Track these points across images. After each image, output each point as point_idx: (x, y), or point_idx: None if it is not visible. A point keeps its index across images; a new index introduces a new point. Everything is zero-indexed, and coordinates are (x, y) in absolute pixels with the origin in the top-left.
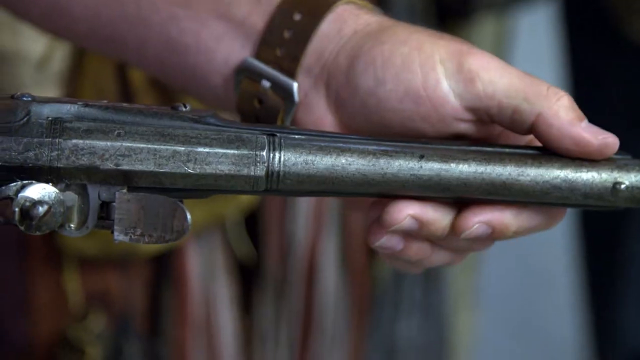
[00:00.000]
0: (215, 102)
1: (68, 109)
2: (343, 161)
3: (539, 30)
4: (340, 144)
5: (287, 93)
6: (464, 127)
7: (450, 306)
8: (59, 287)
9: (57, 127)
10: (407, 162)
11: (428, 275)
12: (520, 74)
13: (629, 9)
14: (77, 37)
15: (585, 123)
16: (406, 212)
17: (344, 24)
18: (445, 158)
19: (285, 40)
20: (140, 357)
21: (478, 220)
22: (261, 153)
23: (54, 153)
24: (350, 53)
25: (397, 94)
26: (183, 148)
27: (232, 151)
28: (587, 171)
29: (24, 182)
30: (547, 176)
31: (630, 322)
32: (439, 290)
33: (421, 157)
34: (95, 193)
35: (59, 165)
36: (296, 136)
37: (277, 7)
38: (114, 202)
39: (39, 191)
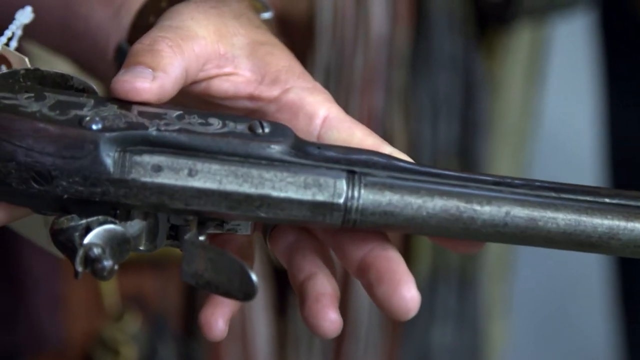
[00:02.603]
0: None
1: (139, 137)
2: (424, 214)
3: (575, 38)
4: (423, 187)
5: None
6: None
7: (483, 313)
8: (95, 288)
9: (126, 163)
10: (492, 219)
11: (462, 282)
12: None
13: None
14: None
15: None
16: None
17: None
18: (532, 218)
19: (150, 25)
20: (175, 358)
21: None
22: (338, 201)
23: (122, 191)
24: None
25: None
26: (257, 193)
27: (308, 198)
28: None
29: (89, 220)
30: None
31: None
32: (473, 297)
33: (507, 213)
34: (165, 217)
35: (126, 202)
36: (376, 174)
37: None
38: (183, 225)
39: (104, 235)
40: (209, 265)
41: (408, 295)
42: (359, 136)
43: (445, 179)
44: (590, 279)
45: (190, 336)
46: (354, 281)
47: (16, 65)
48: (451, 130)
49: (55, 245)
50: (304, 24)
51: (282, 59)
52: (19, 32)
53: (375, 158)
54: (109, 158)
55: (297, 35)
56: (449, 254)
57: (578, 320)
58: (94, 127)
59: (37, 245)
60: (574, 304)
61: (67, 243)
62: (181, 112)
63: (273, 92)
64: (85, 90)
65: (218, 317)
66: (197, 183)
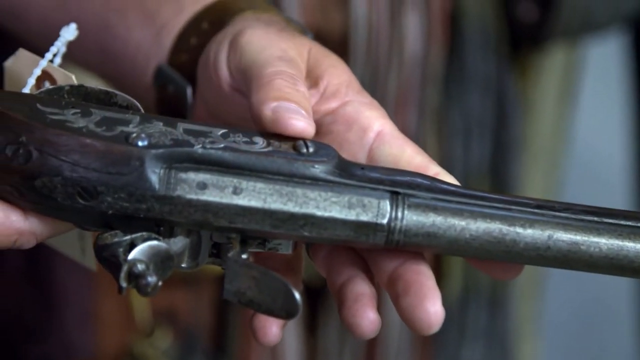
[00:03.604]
0: (146, 102)
1: (184, 155)
2: (467, 236)
3: (608, 60)
4: (466, 209)
5: (183, 97)
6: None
7: (513, 332)
8: (126, 302)
9: (171, 180)
10: (534, 242)
11: (493, 301)
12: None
13: None
14: (30, 38)
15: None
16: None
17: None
18: (575, 242)
19: (192, 47)
20: None
21: None
22: (382, 222)
23: (167, 208)
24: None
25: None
26: (301, 212)
27: (351, 218)
28: None
29: (133, 236)
30: None
31: None
32: (503, 316)
33: (550, 236)
34: (207, 235)
35: (170, 218)
36: (420, 195)
37: (191, 16)
38: (226, 243)
39: (148, 251)
40: (252, 284)
41: (432, 309)
42: (409, 153)
43: (488, 201)
44: (620, 298)
45: (221, 352)
46: (386, 299)
47: (61, 82)
48: (483, 150)
49: (99, 260)
50: (338, 42)
51: (344, 74)
52: (63, 49)
53: (419, 180)
54: (154, 175)
55: None
56: (480, 273)
57: (608, 340)
58: (140, 143)
59: (70, 258)
60: (603, 323)
61: (111, 258)
62: (226, 130)
63: (332, 104)
64: (129, 108)
65: (272, 323)
66: (241, 201)
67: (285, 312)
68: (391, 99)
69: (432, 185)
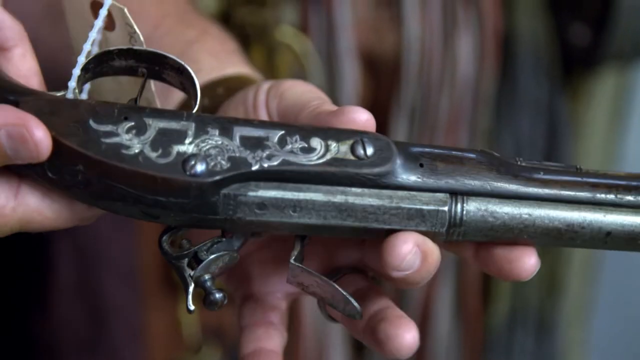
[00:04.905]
0: None
1: (243, 177)
2: (525, 237)
3: None
4: (524, 211)
5: None
6: None
7: (561, 356)
8: (174, 318)
9: (231, 203)
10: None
11: (540, 324)
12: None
13: None
14: None
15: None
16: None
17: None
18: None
19: (218, 95)
20: None
21: None
22: (441, 230)
23: (228, 225)
24: None
25: None
26: (361, 226)
27: (411, 229)
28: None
29: (197, 248)
30: None
31: None
32: (550, 339)
33: (607, 234)
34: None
35: (233, 231)
36: (479, 196)
37: (207, 80)
38: None
39: (213, 263)
40: (315, 284)
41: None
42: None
43: (547, 200)
44: None
45: None
46: (433, 318)
47: (116, 15)
48: None
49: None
50: (391, 63)
51: None
52: None
53: (477, 181)
54: (214, 200)
55: (383, 74)
56: (528, 296)
57: None
58: (199, 171)
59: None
60: None
61: (177, 270)
62: (283, 132)
63: None
64: (180, 70)
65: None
66: (301, 220)
67: (347, 314)
68: (443, 120)
69: (492, 185)
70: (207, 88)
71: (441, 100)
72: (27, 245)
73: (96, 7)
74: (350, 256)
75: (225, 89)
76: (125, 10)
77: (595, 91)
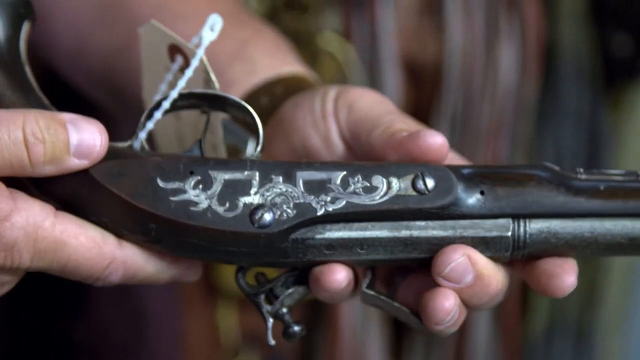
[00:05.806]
0: None
1: (309, 222)
2: (588, 253)
3: None
4: (586, 232)
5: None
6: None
7: None
8: (213, 324)
9: (300, 247)
10: None
11: (579, 335)
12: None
13: None
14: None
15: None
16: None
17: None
18: None
19: (260, 105)
20: None
21: None
22: (506, 255)
23: (300, 265)
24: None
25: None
26: (427, 257)
27: None
28: None
29: (272, 284)
30: None
31: None
32: (589, 350)
33: None
34: None
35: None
36: (541, 218)
37: (265, 78)
38: None
39: (288, 299)
40: (384, 306)
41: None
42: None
43: (606, 216)
44: None
45: None
46: (471, 327)
47: (190, 56)
48: None
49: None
50: (432, 71)
51: None
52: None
53: (538, 203)
54: (284, 246)
55: (424, 82)
56: (567, 307)
57: None
58: (267, 221)
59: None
60: None
61: (256, 306)
62: (345, 172)
63: None
64: (239, 108)
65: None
66: (369, 256)
67: (410, 324)
68: (484, 129)
69: (552, 205)
70: (265, 87)
71: (482, 109)
72: None
73: (173, 50)
74: None
75: (283, 89)
76: (204, 58)
77: (637, 102)
